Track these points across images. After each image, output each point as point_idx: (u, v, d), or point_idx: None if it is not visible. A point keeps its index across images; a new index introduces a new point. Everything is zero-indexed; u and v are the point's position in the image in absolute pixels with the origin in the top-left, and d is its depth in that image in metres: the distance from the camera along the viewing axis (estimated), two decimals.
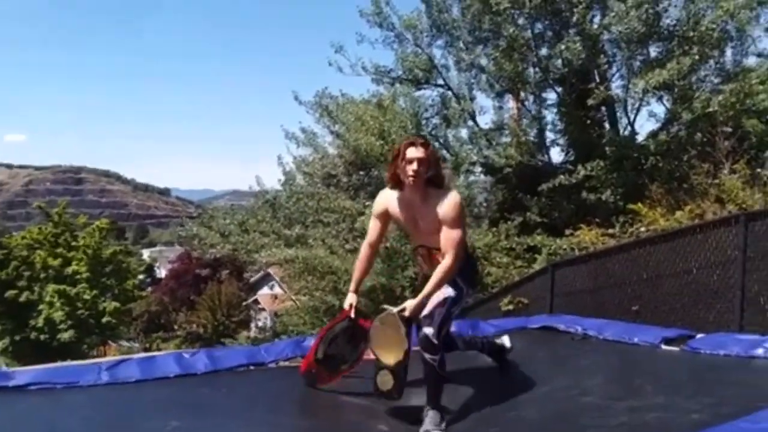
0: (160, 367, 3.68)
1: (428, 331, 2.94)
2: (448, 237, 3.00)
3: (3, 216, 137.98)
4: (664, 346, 4.11)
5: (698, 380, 3.43)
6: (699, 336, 4.14)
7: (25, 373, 3.46)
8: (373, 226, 3.32)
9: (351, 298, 3.27)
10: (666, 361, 3.96)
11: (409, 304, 3.04)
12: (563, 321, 4.93)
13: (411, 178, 3.00)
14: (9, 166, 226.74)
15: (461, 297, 3.11)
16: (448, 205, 3.02)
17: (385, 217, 3.26)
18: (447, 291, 3.01)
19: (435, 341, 2.93)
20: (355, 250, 11.76)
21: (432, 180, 3.07)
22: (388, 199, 3.24)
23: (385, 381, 3.02)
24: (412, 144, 3.05)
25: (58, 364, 4.35)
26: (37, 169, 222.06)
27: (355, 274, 3.37)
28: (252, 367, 3.91)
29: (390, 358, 3.00)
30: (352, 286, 3.35)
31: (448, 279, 3.00)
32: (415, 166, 2.98)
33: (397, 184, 3.14)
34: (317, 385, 3.29)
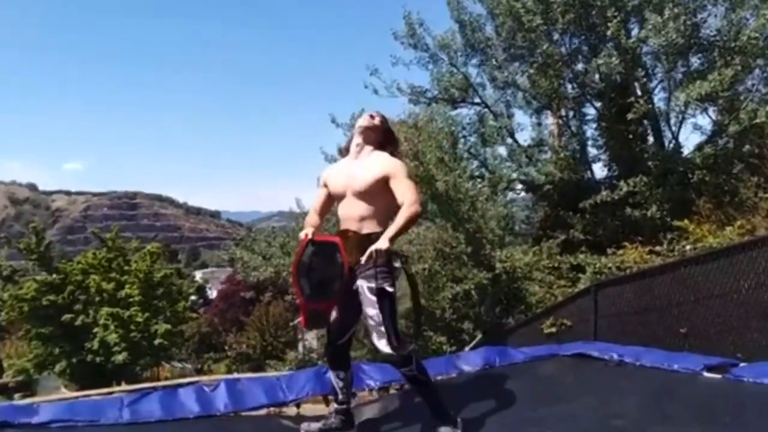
0: (180, 402, 3.69)
1: (386, 348, 2.79)
2: (401, 187, 2.88)
3: (63, 241, 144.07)
4: (705, 374, 3.90)
5: (738, 410, 3.22)
6: (743, 364, 3.92)
7: (48, 409, 3.51)
8: (317, 194, 3.26)
9: (306, 230, 3.04)
10: (706, 388, 3.74)
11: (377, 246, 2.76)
12: (597, 348, 4.74)
13: (356, 146, 3.05)
14: (68, 193, 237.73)
15: (394, 297, 2.89)
16: (388, 159, 3.00)
17: (326, 186, 3.19)
18: (377, 307, 2.80)
19: (399, 351, 2.80)
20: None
21: (381, 148, 3.08)
22: (330, 167, 3.29)
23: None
24: (367, 116, 3.11)
25: (92, 394, 4.41)
26: (94, 195, 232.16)
27: (308, 221, 3.19)
28: (272, 410, 3.85)
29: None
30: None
31: (412, 223, 2.90)
32: (360, 132, 3.05)
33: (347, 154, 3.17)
34: (326, 323, 3.06)
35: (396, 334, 2.83)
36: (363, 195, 2.93)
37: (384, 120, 3.17)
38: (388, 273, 2.84)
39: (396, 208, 2.85)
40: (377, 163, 2.97)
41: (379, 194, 2.92)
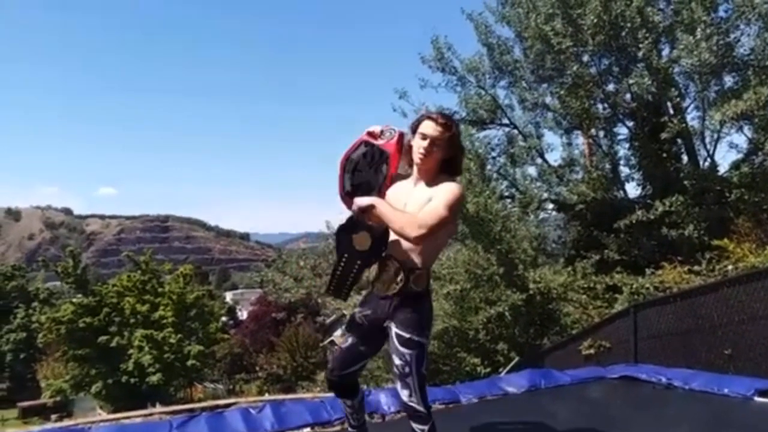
0: (228, 423, 3.75)
1: (410, 399, 2.49)
2: (429, 209, 2.39)
3: (97, 264, 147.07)
4: (757, 398, 3.84)
5: None
6: None
7: (99, 430, 3.61)
8: None
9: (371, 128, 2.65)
10: (758, 413, 3.69)
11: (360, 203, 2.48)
12: (645, 370, 4.69)
13: (419, 156, 2.50)
14: (102, 217, 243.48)
15: (425, 350, 2.55)
16: (444, 187, 2.46)
17: None
18: (409, 349, 2.49)
19: (421, 408, 2.50)
20: None
21: (446, 166, 2.57)
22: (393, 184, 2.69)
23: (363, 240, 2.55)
24: (431, 118, 2.53)
25: (133, 415, 4.50)
26: (127, 218, 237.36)
27: None
28: (317, 428, 3.89)
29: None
30: None
31: (398, 231, 2.39)
32: (426, 143, 2.49)
33: (409, 163, 2.64)
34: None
35: (422, 390, 2.51)
36: None
37: (456, 133, 2.59)
38: (422, 321, 2.55)
39: (444, 244, 2.65)
40: (431, 189, 2.51)
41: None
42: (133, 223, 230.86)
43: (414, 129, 2.57)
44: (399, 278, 2.52)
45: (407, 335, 2.49)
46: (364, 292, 2.77)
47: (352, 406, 2.88)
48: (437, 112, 2.67)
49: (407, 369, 2.48)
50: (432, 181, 2.53)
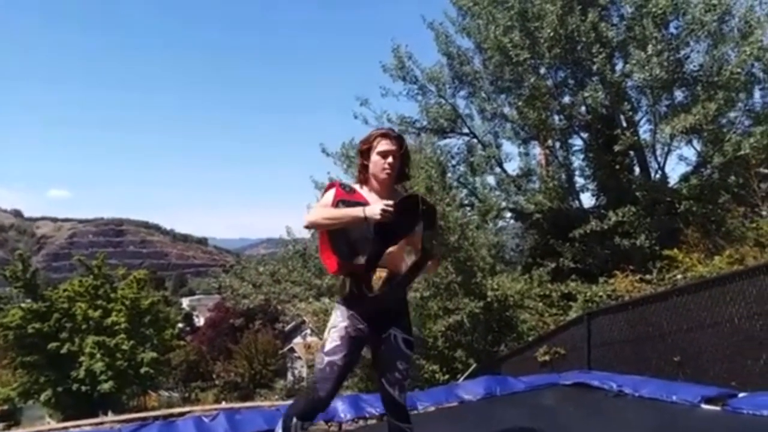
0: None
1: (404, 400, 2.62)
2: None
3: (48, 268, 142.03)
4: (704, 405, 3.97)
5: None
6: (741, 395, 3.99)
7: None
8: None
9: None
10: (705, 421, 3.81)
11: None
12: (597, 377, 4.80)
13: (386, 173, 2.57)
14: (54, 220, 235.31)
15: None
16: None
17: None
18: (412, 352, 2.64)
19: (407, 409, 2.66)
20: None
21: (399, 178, 2.68)
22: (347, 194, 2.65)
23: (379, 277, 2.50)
24: (386, 136, 2.61)
25: (83, 424, 4.36)
26: (80, 222, 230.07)
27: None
28: None
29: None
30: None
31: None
32: (391, 159, 2.56)
33: (363, 181, 2.66)
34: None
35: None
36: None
37: (407, 146, 2.70)
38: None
39: None
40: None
41: None
42: (87, 227, 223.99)
43: (366, 150, 2.62)
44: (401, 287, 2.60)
45: (411, 339, 2.62)
46: (341, 308, 2.61)
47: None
48: (387, 128, 2.73)
49: (408, 372, 2.61)
50: (391, 194, 2.59)
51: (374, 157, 2.59)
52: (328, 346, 2.57)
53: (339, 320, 2.59)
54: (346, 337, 2.56)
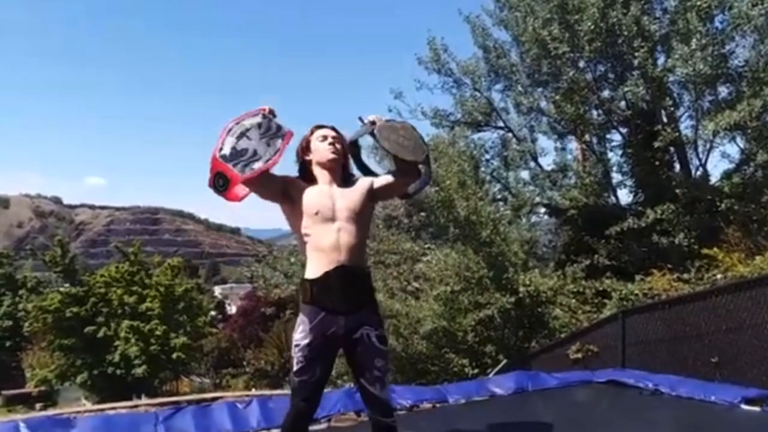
0: (214, 418, 3.74)
1: (385, 395, 2.58)
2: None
3: (85, 254, 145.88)
4: (744, 406, 3.88)
5: None
6: None
7: (85, 422, 3.57)
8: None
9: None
10: (745, 421, 3.72)
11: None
12: (632, 376, 4.72)
13: (331, 152, 2.59)
14: (92, 207, 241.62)
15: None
16: (374, 179, 2.68)
17: (283, 188, 2.60)
18: (386, 347, 2.61)
19: (390, 400, 2.66)
20: (416, 291, 11.78)
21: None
22: (298, 181, 2.65)
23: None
24: (319, 126, 2.69)
25: (119, 407, 4.47)
26: (117, 209, 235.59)
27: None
28: None
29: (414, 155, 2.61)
30: None
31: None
32: (331, 140, 2.61)
33: (308, 179, 2.64)
34: (229, 193, 2.61)
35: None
36: (355, 219, 2.54)
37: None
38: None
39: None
40: (360, 184, 2.65)
41: (368, 219, 2.67)
42: (123, 215, 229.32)
43: (305, 146, 2.67)
44: (367, 284, 2.60)
45: (383, 334, 2.59)
46: (304, 320, 2.52)
47: None
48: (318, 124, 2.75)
49: (385, 367, 2.57)
50: (342, 183, 2.62)
51: (314, 145, 2.63)
52: (295, 367, 2.52)
53: (300, 337, 2.50)
54: (309, 356, 2.48)
